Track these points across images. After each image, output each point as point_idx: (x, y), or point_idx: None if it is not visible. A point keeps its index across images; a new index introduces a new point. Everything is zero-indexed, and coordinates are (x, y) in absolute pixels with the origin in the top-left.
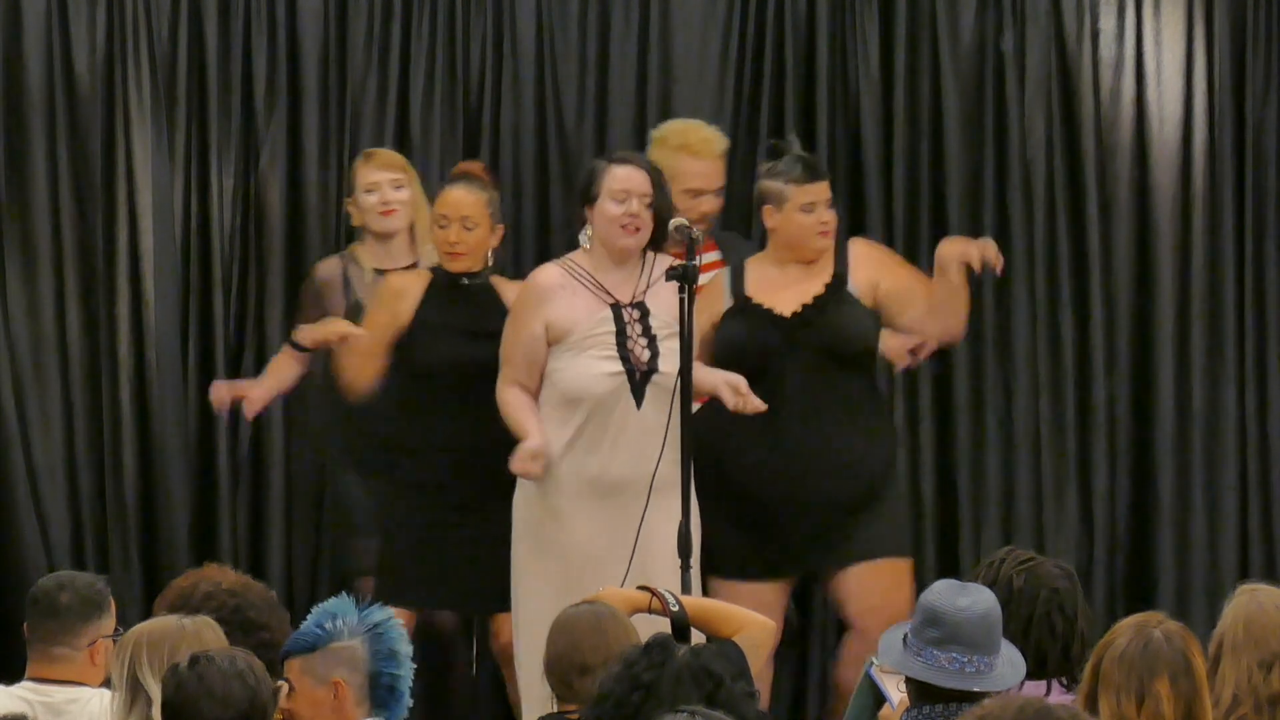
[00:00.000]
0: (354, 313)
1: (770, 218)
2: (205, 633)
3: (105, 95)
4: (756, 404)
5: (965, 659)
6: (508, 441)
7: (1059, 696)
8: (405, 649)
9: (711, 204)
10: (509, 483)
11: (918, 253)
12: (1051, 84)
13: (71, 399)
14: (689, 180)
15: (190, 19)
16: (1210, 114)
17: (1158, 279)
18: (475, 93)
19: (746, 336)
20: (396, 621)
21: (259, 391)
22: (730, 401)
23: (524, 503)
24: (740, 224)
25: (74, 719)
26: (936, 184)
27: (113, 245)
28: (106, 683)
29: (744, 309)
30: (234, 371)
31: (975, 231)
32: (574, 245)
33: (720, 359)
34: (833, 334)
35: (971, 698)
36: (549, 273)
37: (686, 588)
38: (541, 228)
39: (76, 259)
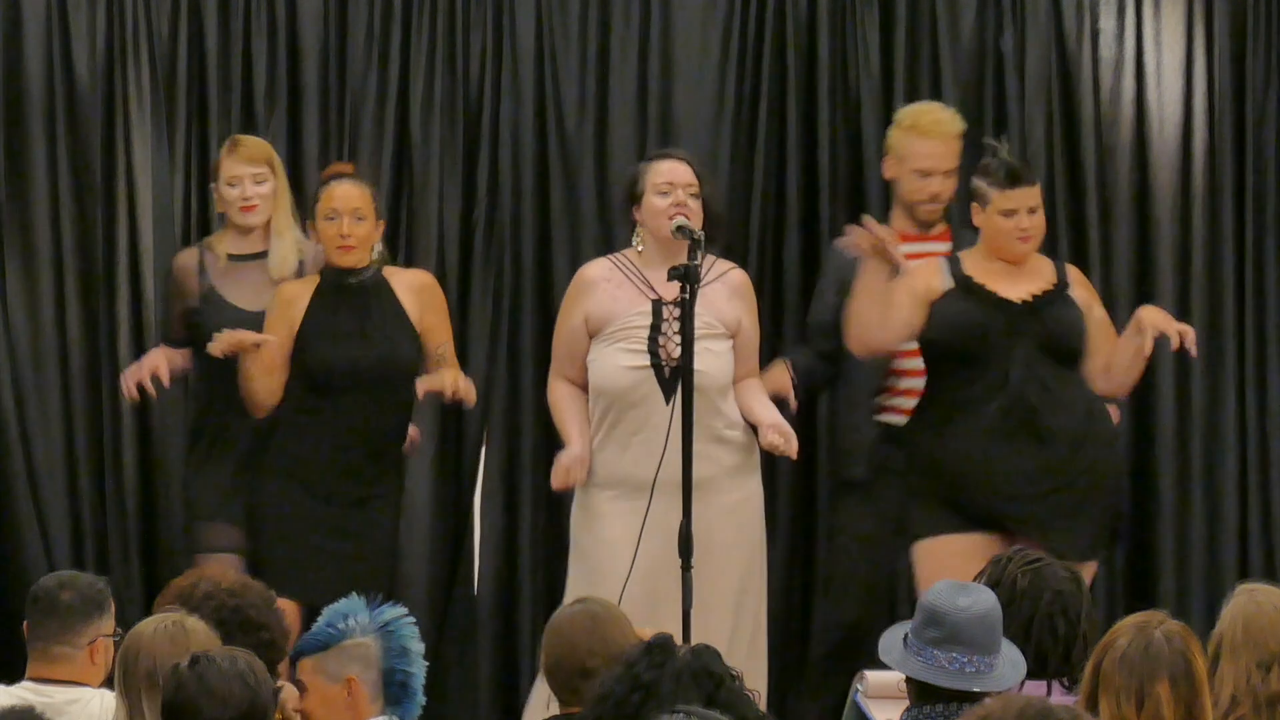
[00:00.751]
0: (207, 299)
1: (977, 216)
2: (175, 635)
3: (105, 95)
4: (790, 451)
5: (965, 659)
6: (398, 440)
7: (1060, 698)
8: (417, 647)
9: (940, 185)
10: (396, 482)
11: None
12: (1051, 84)
13: (71, 399)
14: (917, 160)
15: (190, 19)
16: (1210, 114)
17: (1158, 279)
18: (475, 93)
19: (974, 316)
20: (409, 619)
21: (155, 358)
22: (767, 438)
23: (575, 502)
24: (741, 223)
25: (74, 719)
26: None
27: (113, 245)
28: (106, 683)
29: (969, 289)
30: None
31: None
32: (574, 243)
33: (942, 336)
34: (1059, 328)
35: (972, 698)
36: (595, 266)
37: (687, 588)
38: (542, 227)
39: (76, 259)
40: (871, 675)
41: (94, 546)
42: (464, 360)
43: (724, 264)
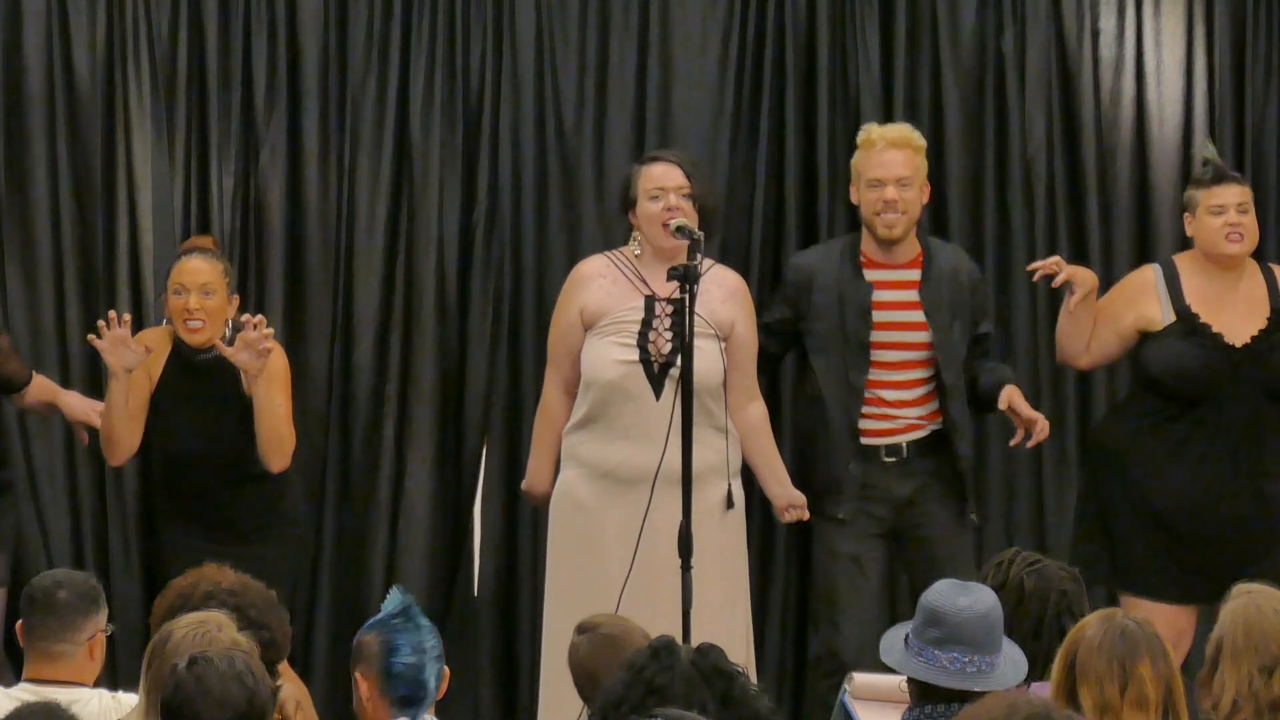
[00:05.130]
0: None
1: (1189, 226)
2: (206, 638)
3: (105, 95)
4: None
5: (966, 659)
6: (265, 512)
7: None
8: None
9: (894, 192)
10: (287, 518)
11: None
12: (1051, 84)
13: None
14: (869, 171)
15: (190, 19)
16: (1210, 114)
17: None
18: (475, 93)
19: (1194, 362)
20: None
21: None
22: (785, 519)
23: (555, 499)
24: (742, 232)
25: None
26: (936, 184)
27: (113, 245)
28: (101, 681)
29: (1193, 330)
30: None
31: (975, 231)
32: (573, 243)
33: (1159, 377)
34: (1278, 372)
35: (973, 697)
36: (591, 262)
37: (687, 589)
38: (541, 227)
39: (76, 259)
40: (859, 677)
41: (94, 546)
42: (464, 360)
43: (721, 266)
